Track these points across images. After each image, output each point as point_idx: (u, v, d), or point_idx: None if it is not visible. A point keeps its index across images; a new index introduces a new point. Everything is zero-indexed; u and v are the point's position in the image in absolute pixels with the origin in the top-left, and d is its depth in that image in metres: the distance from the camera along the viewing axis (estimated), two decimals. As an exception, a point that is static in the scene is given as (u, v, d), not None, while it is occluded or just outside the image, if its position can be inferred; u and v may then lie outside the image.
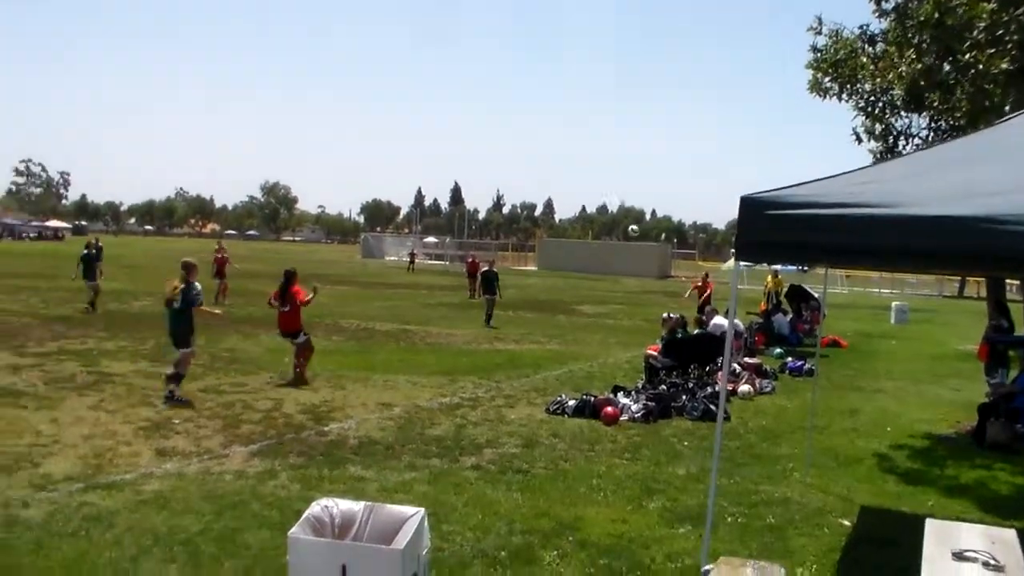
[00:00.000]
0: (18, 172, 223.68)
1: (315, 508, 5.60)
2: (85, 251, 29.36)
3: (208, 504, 9.00)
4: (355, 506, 5.70)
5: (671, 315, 20.07)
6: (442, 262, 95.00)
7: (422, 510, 5.58)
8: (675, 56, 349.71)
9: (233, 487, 9.67)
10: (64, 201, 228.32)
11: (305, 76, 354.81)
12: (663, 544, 8.40)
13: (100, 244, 32.05)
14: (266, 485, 9.77)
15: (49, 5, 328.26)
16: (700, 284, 30.38)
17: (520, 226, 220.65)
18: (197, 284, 15.10)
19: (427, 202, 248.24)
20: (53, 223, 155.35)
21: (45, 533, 7.98)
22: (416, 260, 80.00)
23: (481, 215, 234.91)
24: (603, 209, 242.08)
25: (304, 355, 16.86)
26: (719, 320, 20.28)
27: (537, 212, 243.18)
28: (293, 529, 5.34)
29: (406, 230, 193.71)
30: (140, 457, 10.79)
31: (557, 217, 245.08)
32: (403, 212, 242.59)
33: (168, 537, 8.00)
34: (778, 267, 28.71)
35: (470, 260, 46.88)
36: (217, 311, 16.67)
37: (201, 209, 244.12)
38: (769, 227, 6.07)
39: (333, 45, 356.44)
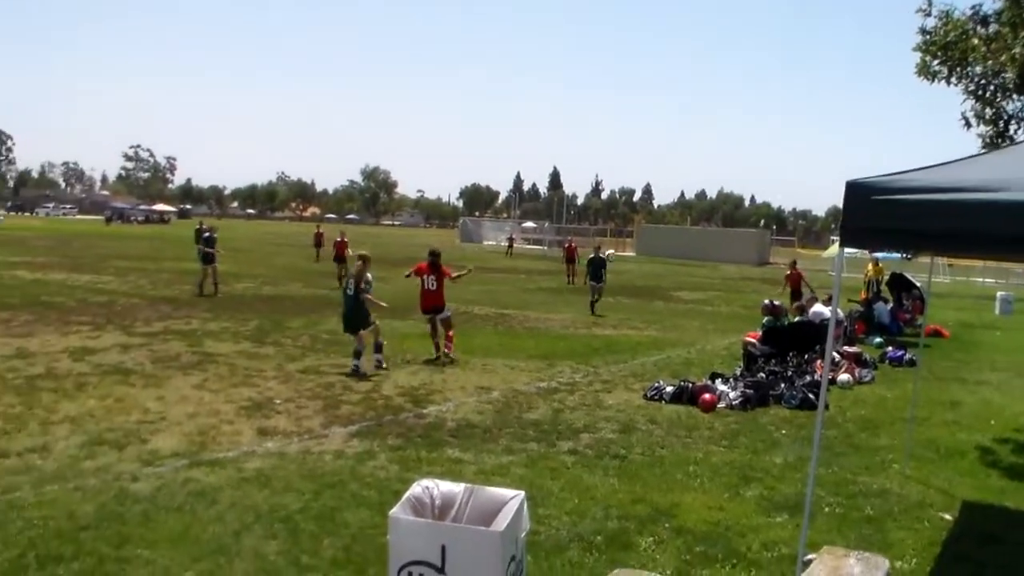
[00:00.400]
0: (127, 157, 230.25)
1: (416, 489, 5.62)
2: (206, 234, 29.69)
3: (308, 483, 9.15)
4: (455, 487, 5.71)
5: (772, 302, 19.85)
6: (540, 247, 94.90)
7: (521, 493, 5.58)
8: (775, 40, 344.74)
9: (332, 467, 9.80)
10: (170, 185, 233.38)
11: (406, 61, 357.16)
12: (760, 532, 8.33)
13: (204, 226, 32.63)
14: (365, 466, 9.89)
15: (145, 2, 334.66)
16: (789, 272, 29.64)
17: (618, 211, 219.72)
18: (370, 275, 16.41)
19: (526, 187, 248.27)
20: (160, 207, 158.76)
21: (152, 506, 8.20)
22: (514, 245, 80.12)
23: (580, 200, 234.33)
24: (702, 195, 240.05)
25: (451, 327, 17.87)
26: (819, 308, 19.98)
27: (636, 197, 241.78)
28: (394, 509, 5.37)
29: (505, 215, 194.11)
30: (242, 436, 11.01)
31: (656, 203, 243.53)
32: (502, 197, 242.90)
33: (269, 514, 8.15)
34: (879, 255, 28.14)
35: (568, 245, 46.76)
36: (383, 304, 17.20)
37: (302, 193, 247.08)
38: (875, 213, 5.94)
39: (434, 31, 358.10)
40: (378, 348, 16.30)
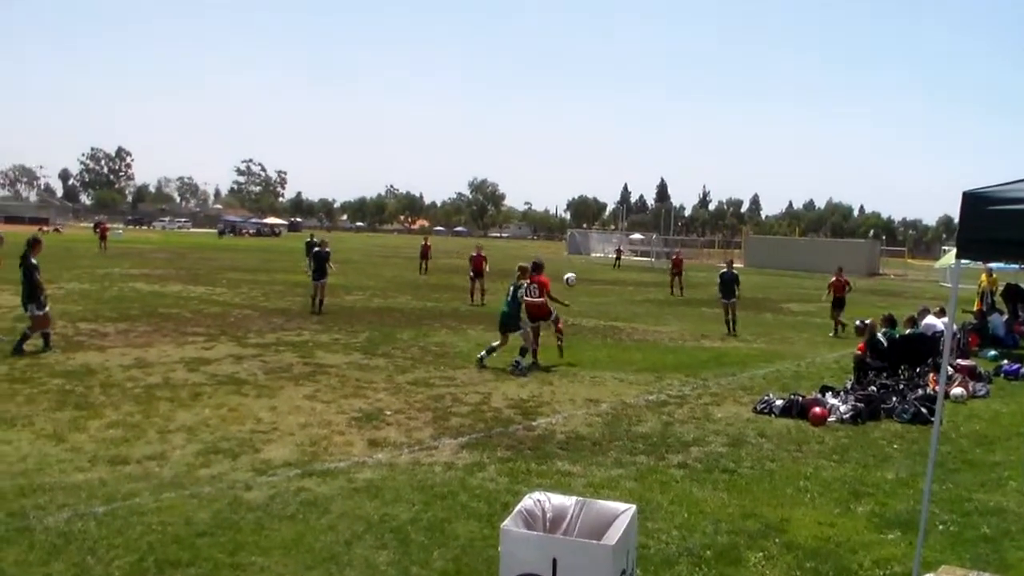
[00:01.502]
0: (239, 172, 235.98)
1: (527, 501, 5.64)
2: (316, 248, 29.05)
3: (418, 494, 9.21)
4: (567, 500, 5.72)
5: (863, 321, 19.49)
6: (648, 259, 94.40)
7: (633, 507, 5.56)
8: (884, 49, 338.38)
9: (442, 478, 9.86)
10: (281, 199, 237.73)
11: (512, 74, 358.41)
12: (871, 550, 8.16)
13: (315, 239, 32.56)
14: (474, 477, 9.94)
15: (253, 16, 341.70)
16: (834, 280, 28.47)
17: (726, 223, 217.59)
18: (523, 282, 18.21)
19: (633, 198, 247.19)
20: (271, 220, 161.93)
21: (265, 515, 8.34)
22: (622, 256, 79.88)
23: (687, 211, 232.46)
24: (810, 205, 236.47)
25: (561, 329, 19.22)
26: (931, 320, 19.56)
27: (743, 208, 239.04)
28: (506, 521, 5.39)
29: (612, 227, 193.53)
30: (353, 447, 11.13)
31: (763, 213, 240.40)
32: (609, 209, 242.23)
33: (380, 524, 8.22)
34: (993, 265, 27.38)
35: (675, 257, 46.51)
36: (566, 303, 18.97)
37: (410, 206, 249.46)
38: (993, 224, 5.81)
39: (539, 44, 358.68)
40: (521, 352, 17.49)
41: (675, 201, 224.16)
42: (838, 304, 27.53)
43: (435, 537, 7.94)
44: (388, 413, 13.05)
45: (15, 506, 8.31)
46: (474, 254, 33.43)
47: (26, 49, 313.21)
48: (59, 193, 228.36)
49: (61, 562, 7.10)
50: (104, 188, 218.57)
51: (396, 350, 19.37)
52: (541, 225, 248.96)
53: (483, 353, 17.83)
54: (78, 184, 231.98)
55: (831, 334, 26.67)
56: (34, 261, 17.19)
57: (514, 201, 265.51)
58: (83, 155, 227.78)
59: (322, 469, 10.00)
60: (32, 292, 17.04)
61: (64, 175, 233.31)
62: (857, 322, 19.67)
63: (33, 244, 17.53)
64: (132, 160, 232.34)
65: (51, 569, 6.98)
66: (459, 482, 9.71)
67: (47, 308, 17.31)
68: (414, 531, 8.08)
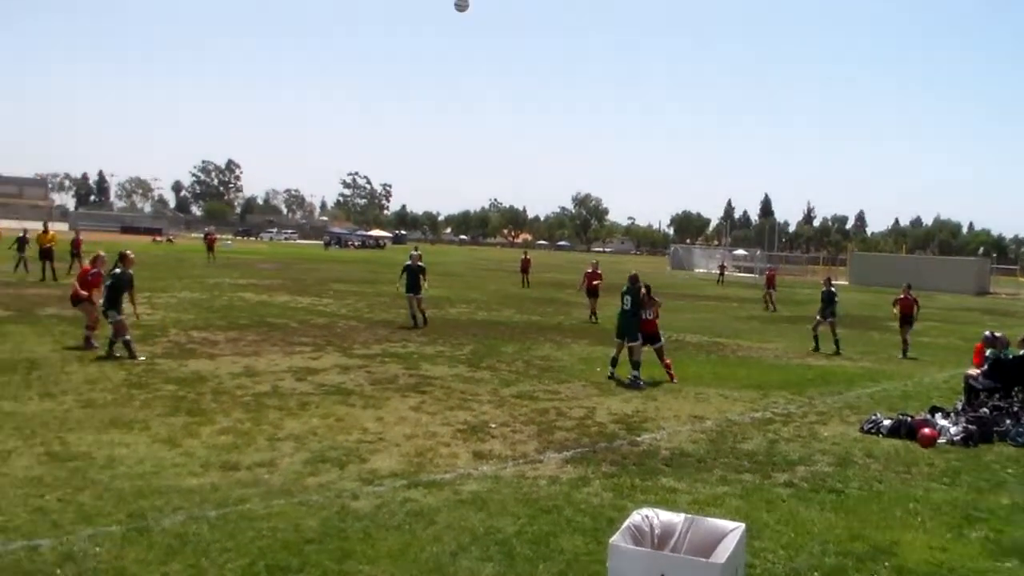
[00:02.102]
0: (345, 184, 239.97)
1: (635, 517, 5.65)
2: (408, 262, 27.30)
3: (523, 507, 9.25)
4: (675, 517, 5.71)
5: (992, 333, 19.01)
6: (751, 275, 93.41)
7: (742, 525, 5.53)
8: (993, 62, 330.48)
9: (547, 492, 9.89)
10: (386, 212, 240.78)
11: (617, 89, 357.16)
12: (987, 578, 7.99)
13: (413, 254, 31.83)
14: (579, 492, 9.95)
15: (357, 33, 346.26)
16: (902, 297, 27.35)
17: (831, 239, 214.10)
18: (640, 287, 18.48)
19: (736, 214, 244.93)
20: (376, 232, 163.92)
21: (372, 524, 8.46)
22: (725, 272, 79.23)
23: (791, 228, 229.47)
24: (917, 222, 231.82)
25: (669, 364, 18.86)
26: (1048, 341, 18.98)
27: (848, 225, 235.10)
28: (614, 537, 5.40)
29: (715, 242, 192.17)
30: (458, 458, 11.21)
31: (869, 230, 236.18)
32: (712, 224, 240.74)
33: (485, 537, 8.28)
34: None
35: (769, 272, 46.44)
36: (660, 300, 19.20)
37: (513, 220, 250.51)
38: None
39: (640, 59, 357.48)
40: (635, 366, 17.79)
41: (779, 217, 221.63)
42: (906, 322, 26.81)
43: (540, 551, 7.97)
44: (493, 426, 13.13)
45: (134, 507, 8.58)
46: (589, 270, 32.76)
47: (140, 68, 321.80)
48: (172, 204, 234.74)
49: (178, 563, 7.31)
50: (214, 200, 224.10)
51: (500, 363, 19.46)
52: (644, 240, 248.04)
53: (611, 369, 18.21)
54: (190, 196, 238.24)
55: (900, 355, 25.75)
56: (117, 271, 18.10)
57: (617, 216, 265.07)
58: (194, 167, 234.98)
59: (428, 480, 10.10)
60: (112, 299, 17.78)
61: (176, 187, 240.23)
62: (987, 333, 19.17)
63: (122, 258, 18.39)
64: (241, 172, 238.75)
65: (169, 569, 7.20)
66: (564, 496, 9.73)
67: (122, 316, 17.86)
68: (519, 544, 8.12)
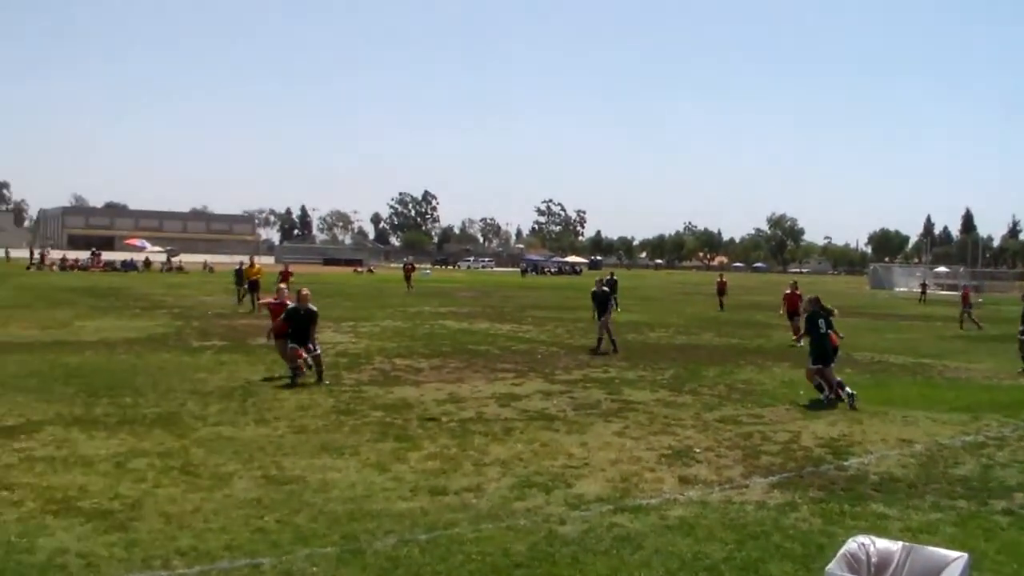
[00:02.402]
0: (540, 212, 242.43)
1: (851, 545, 5.50)
2: (594, 288, 27.71)
3: (730, 533, 9.13)
4: (892, 545, 5.54)
5: None
6: (955, 292, 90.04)
7: (965, 555, 5.32)
8: None
9: (754, 517, 9.73)
10: (581, 238, 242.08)
11: (809, 107, 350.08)
12: None
13: (614, 277, 31.87)
14: (787, 517, 9.75)
15: (550, 59, 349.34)
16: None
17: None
18: (833, 310, 18.83)
19: (936, 230, 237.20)
20: (571, 258, 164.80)
21: (580, 549, 8.47)
22: (927, 290, 76.72)
23: (995, 243, 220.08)
24: None
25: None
26: None
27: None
28: (830, 565, 5.28)
29: (916, 260, 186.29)
30: (664, 483, 11.14)
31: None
32: (912, 241, 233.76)
33: (694, 562, 8.20)
34: None
35: (964, 291, 45.51)
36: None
37: (709, 242, 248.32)
38: None
39: (841, 79, 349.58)
40: (836, 386, 17.45)
41: (982, 232, 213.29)
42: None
43: (750, 577, 7.86)
44: (697, 450, 12.99)
45: (347, 529, 8.85)
46: (787, 291, 32.36)
47: (333, 110, 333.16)
48: (371, 236, 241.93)
49: (391, 585, 7.48)
50: (412, 230, 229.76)
51: (702, 387, 19.26)
52: (841, 259, 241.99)
53: (827, 392, 17.58)
54: (388, 227, 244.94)
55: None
56: (293, 305, 19.01)
57: (813, 236, 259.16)
58: (392, 200, 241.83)
59: (634, 505, 10.07)
60: (291, 333, 18.53)
61: (375, 219, 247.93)
62: None
63: (297, 295, 19.24)
64: (437, 203, 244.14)
65: (383, 591, 7.37)
66: (772, 522, 9.56)
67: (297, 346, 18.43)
68: (728, 570, 8.02)
